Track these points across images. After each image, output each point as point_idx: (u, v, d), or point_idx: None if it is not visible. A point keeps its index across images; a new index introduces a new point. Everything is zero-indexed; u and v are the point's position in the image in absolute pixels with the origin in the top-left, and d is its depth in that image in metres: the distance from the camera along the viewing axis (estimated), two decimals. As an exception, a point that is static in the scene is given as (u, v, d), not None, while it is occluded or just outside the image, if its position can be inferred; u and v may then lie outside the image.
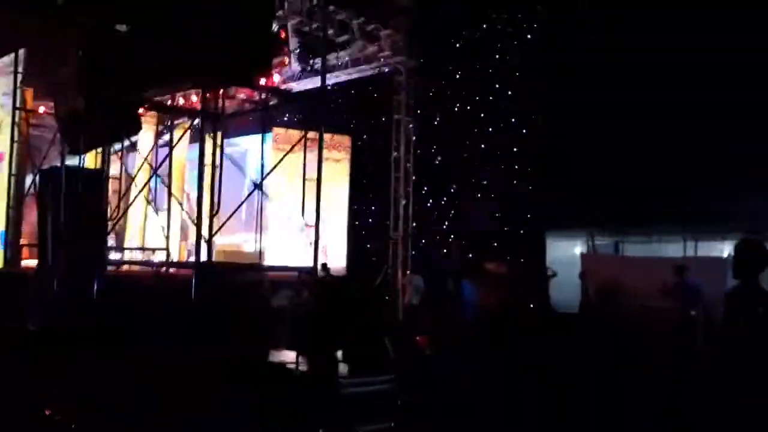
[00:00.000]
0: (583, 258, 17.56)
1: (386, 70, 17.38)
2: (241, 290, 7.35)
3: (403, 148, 17.32)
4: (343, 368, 7.00)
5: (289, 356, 6.97)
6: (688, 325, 10.70)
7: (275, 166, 9.45)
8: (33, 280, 7.80)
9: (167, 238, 10.13)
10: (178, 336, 6.08)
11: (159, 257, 15.43)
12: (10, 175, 9.84)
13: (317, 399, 6.12)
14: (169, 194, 12.44)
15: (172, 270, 11.74)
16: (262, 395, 5.59)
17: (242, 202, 9.59)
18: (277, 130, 19.52)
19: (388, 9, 16.58)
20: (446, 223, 19.45)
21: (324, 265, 14.48)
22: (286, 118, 21.90)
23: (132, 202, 13.45)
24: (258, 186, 8.74)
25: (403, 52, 16.85)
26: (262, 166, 15.07)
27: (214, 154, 9.90)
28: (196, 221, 9.32)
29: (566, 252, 19.26)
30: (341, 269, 18.41)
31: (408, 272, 16.86)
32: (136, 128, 8.31)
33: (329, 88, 19.75)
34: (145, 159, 14.18)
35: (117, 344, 6.09)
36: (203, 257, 16.40)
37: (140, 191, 12.72)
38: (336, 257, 18.77)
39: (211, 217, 8.92)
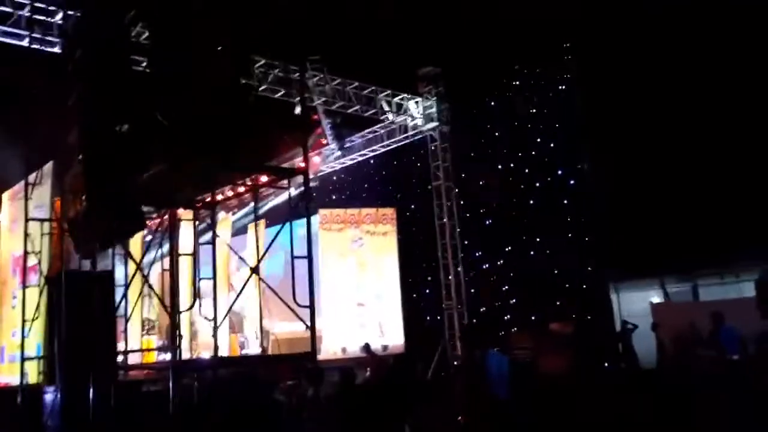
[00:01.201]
0: (653, 308, 16.39)
1: (420, 137, 17.23)
2: (233, 388, 6.98)
3: (446, 213, 16.88)
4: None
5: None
6: (730, 372, 9.69)
7: (266, 251, 9.13)
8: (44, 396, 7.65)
9: (177, 335, 9.85)
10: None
11: (206, 353, 15.32)
12: (24, 286, 9.90)
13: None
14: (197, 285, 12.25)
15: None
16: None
17: (240, 292, 9.19)
18: (323, 210, 19.53)
19: (414, 79, 16.56)
20: (505, 286, 18.62)
21: (367, 346, 13.91)
22: (335, 198, 21.97)
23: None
24: (254, 270, 8.41)
25: (434, 118, 16.67)
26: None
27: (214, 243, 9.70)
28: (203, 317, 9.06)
29: (642, 302, 18.15)
30: (399, 346, 17.81)
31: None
32: (139, 226, 8.22)
33: (370, 162, 19.80)
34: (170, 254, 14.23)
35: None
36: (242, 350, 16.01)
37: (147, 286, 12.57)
38: (393, 334, 18.24)
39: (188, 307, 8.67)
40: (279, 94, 14.60)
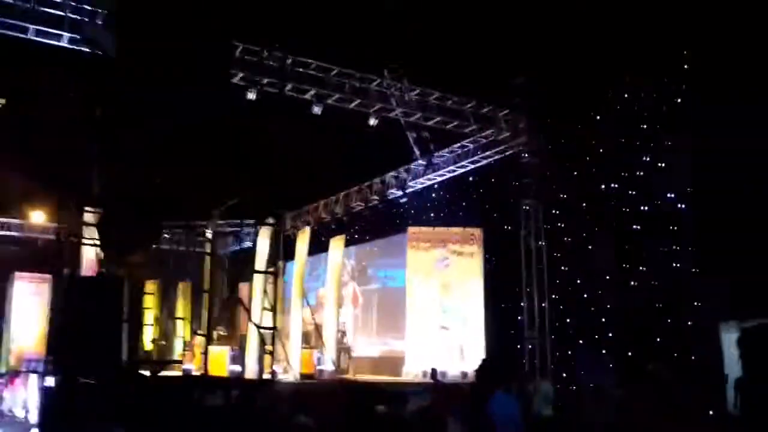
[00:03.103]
0: None
1: (510, 153, 16.08)
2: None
3: (533, 236, 15.61)
4: None
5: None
6: None
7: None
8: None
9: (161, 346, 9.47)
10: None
11: (277, 367, 15.00)
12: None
13: None
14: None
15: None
16: None
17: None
18: (411, 228, 18.82)
19: (504, 90, 15.48)
20: (602, 318, 17.05)
21: (434, 372, 12.96)
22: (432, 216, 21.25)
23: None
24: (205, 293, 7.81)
25: (524, 133, 15.50)
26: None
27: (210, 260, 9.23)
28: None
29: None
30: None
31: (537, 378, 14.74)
32: (157, 236, 8.05)
33: (461, 178, 18.84)
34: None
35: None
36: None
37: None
38: (474, 361, 17.13)
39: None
40: (354, 104, 14.09)
